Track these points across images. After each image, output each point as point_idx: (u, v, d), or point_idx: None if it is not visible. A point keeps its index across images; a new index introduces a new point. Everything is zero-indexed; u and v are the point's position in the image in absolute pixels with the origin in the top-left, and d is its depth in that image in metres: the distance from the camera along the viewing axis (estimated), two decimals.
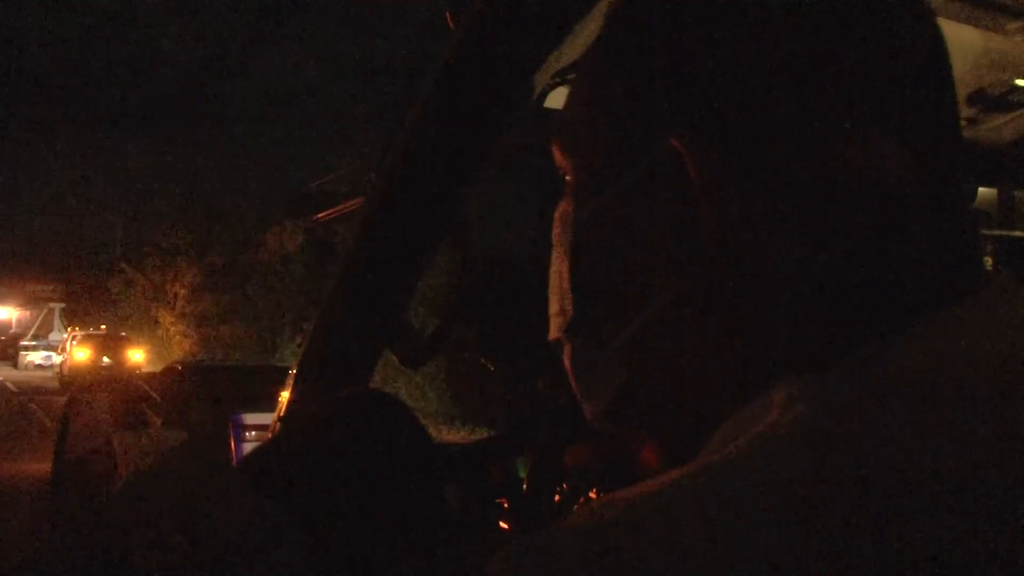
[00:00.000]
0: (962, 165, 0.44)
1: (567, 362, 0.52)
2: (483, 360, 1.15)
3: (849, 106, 0.41)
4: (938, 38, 0.44)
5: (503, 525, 1.10)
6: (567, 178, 0.51)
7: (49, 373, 32.57)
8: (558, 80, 0.99)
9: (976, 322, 0.38)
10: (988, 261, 1.18)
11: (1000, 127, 1.16)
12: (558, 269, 0.52)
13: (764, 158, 0.41)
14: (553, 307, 0.53)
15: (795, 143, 0.41)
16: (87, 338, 28.48)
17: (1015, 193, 1.24)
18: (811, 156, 0.41)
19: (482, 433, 12.46)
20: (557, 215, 0.52)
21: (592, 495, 1.09)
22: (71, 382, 22.28)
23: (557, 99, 1.03)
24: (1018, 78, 1.05)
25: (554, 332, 0.53)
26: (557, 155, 0.52)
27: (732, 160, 0.41)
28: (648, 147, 0.44)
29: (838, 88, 0.41)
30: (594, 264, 0.48)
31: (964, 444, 0.33)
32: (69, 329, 35.48)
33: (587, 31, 0.89)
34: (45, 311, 45.85)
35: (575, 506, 1.09)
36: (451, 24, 0.96)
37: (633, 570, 0.31)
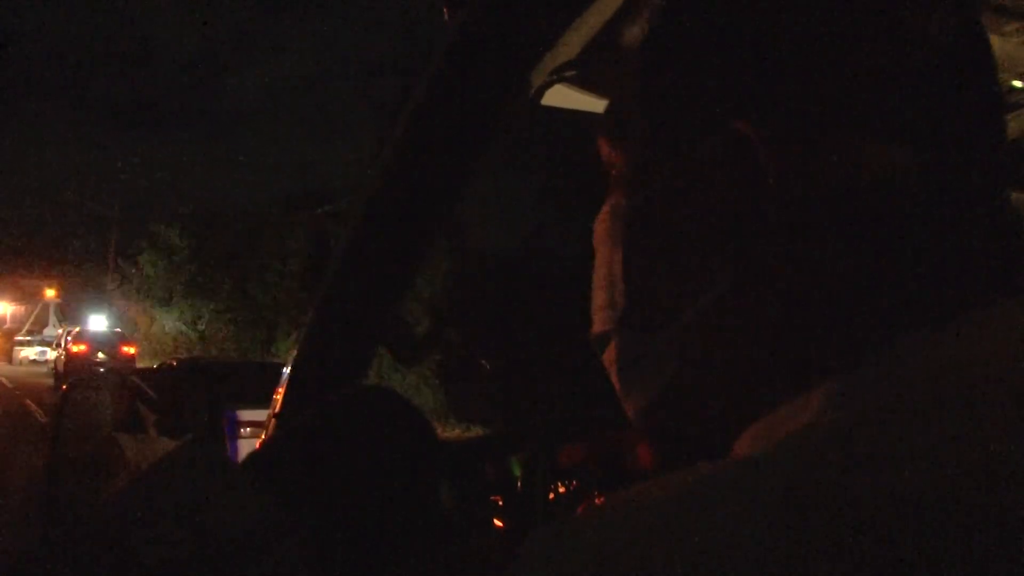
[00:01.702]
0: (1001, 167, 0.44)
1: (611, 356, 0.51)
2: (478, 358, 1.15)
3: (860, 108, 0.41)
4: (979, 40, 0.44)
5: (497, 523, 1.10)
6: (614, 172, 0.51)
7: (44, 369, 32.50)
8: (555, 78, 0.99)
9: (1011, 327, 0.38)
10: None
11: None
12: (607, 262, 0.51)
13: (813, 150, 0.41)
14: (599, 300, 0.52)
15: (833, 138, 0.41)
16: (82, 333, 28.42)
17: (1011, 195, 1.24)
18: (842, 153, 0.40)
19: (476, 431, 12.46)
20: (606, 209, 0.51)
21: (587, 494, 1.09)
22: (66, 378, 22.23)
23: (554, 97, 1.03)
24: (1015, 79, 1.05)
25: (600, 326, 0.52)
26: (605, 148, 0.52)
27: (792, 146, 0.41)
28: (710, 132, 0.43)
29: (867, 90, 0.41)
30: (651, 252, 0.47)
31: (998, 459, 0.32)
32: (64, 325, 35.43)
33: (584, 29, 0.89)
34: (40, 306, 45.76)
35: (569, 504, 1.09)
36: (448, 21, 0.96)
37: (649, 569, 0.31)
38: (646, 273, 0.48)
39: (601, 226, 0.51)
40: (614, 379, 0.51)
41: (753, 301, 0.42)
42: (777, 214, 0.41)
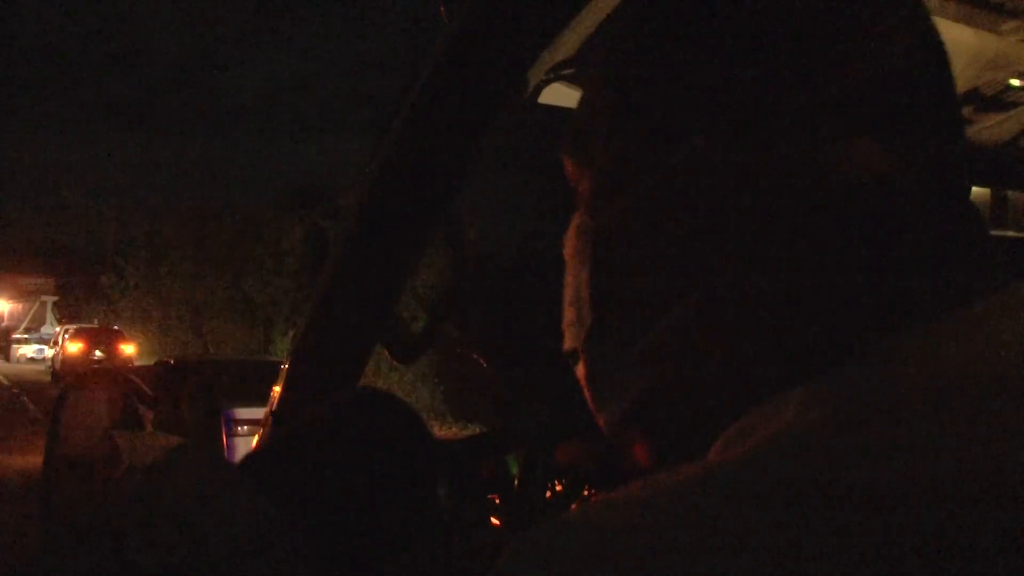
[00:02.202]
0: (964, 167, 0.44)
1: (582, 372, 0.51)
2: (475, 356, 1.15)
3: (838, 109, 0.41)
4: (932, 38, 0.44)
5: (494, 521, 1.10)
6: (580, 189, 0.51)
7: (41, 367, 32.50)
8: (552, 76, 0.99)
9: (991, 328, 0.38)
10: None
11: (994, 127, 1.16)
12: (575, 280, 0.51)
13: (777, 159, 0.41)
14: (568, 317, 0.52)
15: (799, 144, 0.41)
16: (80, 331, 28.41)
17: (1007, 193, 1.25)
18: (812, 158, 0.41)
19: (473, 429, 12.48)
20: (571, 228, 0.52)
21: (584, 492, 1.09)
22: (63, 375, 22.24)
23: (551, 95, 1.03)
24: (1012, 78, 1.05)
25: (569, 343, 0.52)
26: (569, 167, 0.52)
27: (753, 160, 0.41)
28: (671, 149, 0.44)
29: (829, 90, 0.41)
30: (616, 270, 0.47)
31: (976, 456, 0.32)
32: (61, 322, 35.44)
33: (581, 27, 0.89)
34: (37, 304, 45.74)
35: (567, 502, 1.09)
36: (445, 19, 0.96)
37: (640, 566, 0.31)
38: (612, 290, 0.48)
39: (569, 243, 0.52)
40: (586, 393, 0.51)
41: (724, 313, 0.43)
42: (741, 225, 0.42)
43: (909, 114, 0.42)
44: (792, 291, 0.41)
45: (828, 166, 0.40)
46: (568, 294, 0.52)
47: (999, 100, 1.09)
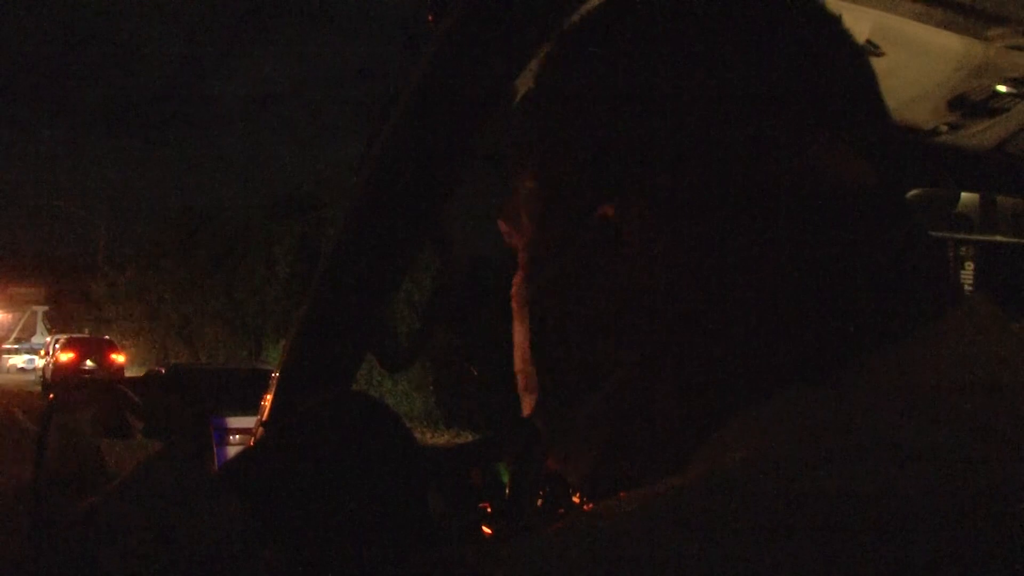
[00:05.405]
0: (906, 171, 0.45)
1: (543, 435, 0.51)
2: (467, 364, 1.15)
3: (790, 122, 0.41)
4: (840, 39, 0.45)
5: (486, 529, 1.10)
6: (517, 252, 0.51)
7: (32, 377, 32.31)
8: None
9: (959, 341, 0.38)
10: (970, 266, 1.19)
11: (981, 132, 1.17)
12: (520, 343, 0.51)
13: (708, 195, 0.41)
14: (521, 383, 0.52)
15: (740, 167, 0.41)
16: (70, 341, 28.27)
17: (996, 198, 1.25)
18: (761, 176, 0.41)
19: (466, 437, 12.45)
20: (513, 290, 0.52)
21: (574, 499, 1.09)
22: (54, 386, 22.09)
23: None
24: (998, 84, 1.06)
25: (527, 409, 0.52)
26: (505, 233, 0.52)
27: (670, 211, 0.42)
28: (582, 219, 0.44)
29: (769, 108, 0.41)
30: (553, 336, 0.47)
31: (951, 465, 0.32)
32: (52, 332, 35.27)
33: None
34: (28, 314, 45.53)
35: (558, 510, 1.09)
36: (433, 28, 0.96)
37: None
38: (552, 356, 0.48)
39: (513, 302, 0.52)
40: (549, 456, 0.51)
41: (667, 364, 0.43)
42: (668, 284, 0.42)
43: (855, 118, 0.42)
44: (738, 328, 0.41)
45: (766, 185, 0.40)
46: (516, 358, 0.52)
47: (986, 106, 1.10)
